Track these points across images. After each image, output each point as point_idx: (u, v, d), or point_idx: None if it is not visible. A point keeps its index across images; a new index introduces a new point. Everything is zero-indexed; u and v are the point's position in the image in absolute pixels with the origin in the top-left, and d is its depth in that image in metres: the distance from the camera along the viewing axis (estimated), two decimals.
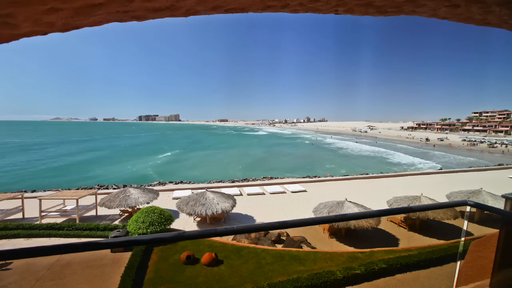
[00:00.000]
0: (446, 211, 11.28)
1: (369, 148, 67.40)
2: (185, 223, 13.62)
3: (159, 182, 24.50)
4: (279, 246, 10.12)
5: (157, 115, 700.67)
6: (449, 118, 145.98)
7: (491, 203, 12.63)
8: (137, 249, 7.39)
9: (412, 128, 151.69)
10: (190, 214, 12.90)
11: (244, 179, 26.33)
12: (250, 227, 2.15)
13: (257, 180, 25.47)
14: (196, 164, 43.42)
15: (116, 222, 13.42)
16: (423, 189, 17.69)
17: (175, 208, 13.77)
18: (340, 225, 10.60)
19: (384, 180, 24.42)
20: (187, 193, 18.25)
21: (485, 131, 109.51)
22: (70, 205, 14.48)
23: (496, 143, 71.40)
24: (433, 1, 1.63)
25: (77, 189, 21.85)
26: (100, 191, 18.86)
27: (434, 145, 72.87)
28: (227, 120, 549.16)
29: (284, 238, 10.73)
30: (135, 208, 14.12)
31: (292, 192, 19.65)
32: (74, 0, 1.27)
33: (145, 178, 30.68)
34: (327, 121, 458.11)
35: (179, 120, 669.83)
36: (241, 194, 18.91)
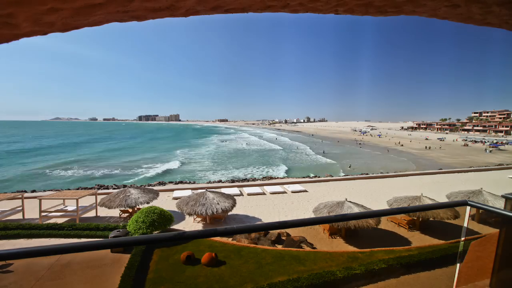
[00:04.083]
0: (446, 211, 11.28)
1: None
2: (185, 223, 13.62)
3: (159, 182, 24.50)
4: (279, 246, 10.12)
5: (157, 115, 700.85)
6: (449, 118, 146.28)
7: (491, 203, 12.62)
8: (137, 249, 7.38)
9: (412, 128, 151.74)
10: (190, 214, 12.89)
11: (244, 179, 26.33)
12: (250, 227, 2.15)
13: (257, 180, 25.47)
14: None
15: (116, 222, 13.42)
16: (423, 189, 17.69)
17: (175, 208, 13.77)
18: (340, 225, 10.60)
19: (384, 180, 24.42)
20: (187, 193, 18.24)
21: (485, 131, 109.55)
22: (70, 205, 14.47)
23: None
24: (433, 1, 1.63)
25: (77, 189, 21.85)
26: (100, 191, 18.86)
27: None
28: (227, 120, 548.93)
29: (284, 238, 10.73)
30: (135, 208, 14.12)
31: (292, 192, 19.65)
32: (74, 0, 1.27)
33: None
34: (327, 121, 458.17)
35: (179, 120, 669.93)
36: (241, 194, 18.91)
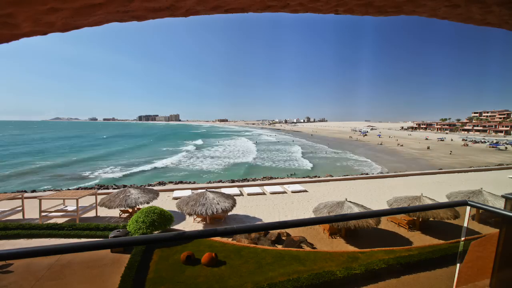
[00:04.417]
0: (446, 211, 11.28)
1: None
2: (185, 223, 13.62)
3: (159, 182, 24.50)
4: (279, 246, 10.12)
5: (157, 115, 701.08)
6: (449, 118, 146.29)
7: (491, 203, 12.63)
8: (137, 249, 7.38)
9: (412, 128, 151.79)
10: (190, 214, 12.89)
11: (244, 179, 26.33)
12: (250, 227, 2.15)
13: (257, 180, 25.47)
14: None
15: (116, 222, 13.42)
16: (423, 189, 17.69)
17: (175, 208, 13.78)
18: (340, 225, 10.60)
19: (384, 180, 24.42)
20: (187, 193, 18.25)
21: (485, 131, 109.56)
22: (70, 205, 14.48)
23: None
24: (433, 1, 1.63)
25: (77, 189, 21.86)
26: (100, 191, 18.86)
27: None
28: (227, 120, 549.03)
29: (284, 238, 10.73)
30: (135, 208, 14.12)
31: (292, 192, 19.65)
32: (74, 0, 1.26)
33: None
34: (327, 121, 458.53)
35: (179, 120, 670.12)
36: (241, 194, 18.91)
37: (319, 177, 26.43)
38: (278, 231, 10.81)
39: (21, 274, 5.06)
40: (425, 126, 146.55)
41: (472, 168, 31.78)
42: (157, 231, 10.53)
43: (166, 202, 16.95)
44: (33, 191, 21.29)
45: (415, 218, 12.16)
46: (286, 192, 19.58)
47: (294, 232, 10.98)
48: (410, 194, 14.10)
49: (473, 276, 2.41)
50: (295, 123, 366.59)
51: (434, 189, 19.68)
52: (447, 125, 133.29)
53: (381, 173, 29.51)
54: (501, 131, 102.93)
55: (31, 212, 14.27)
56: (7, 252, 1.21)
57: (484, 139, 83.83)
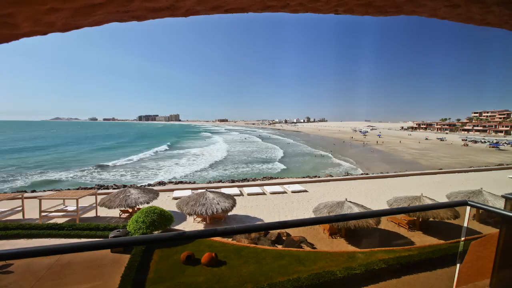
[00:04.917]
0: (446, 211, 11.27)
1: None
2: (185, 223, 13.62)
3: (159, 182, 24.50)
4: (279, 246, 10.12)
5: (157, 115, 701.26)
6: (449, 118, 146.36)
7: (491, 203, 12.62)
8: (137, 249, 7.38)
9: (412, 128, 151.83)
10: (190, 214, 12.89)
11: (244, 179, 26.33)
12: (250, 227, 2.15)
13: (257, 180, 25.46)
14: None
15: (116, 222, 13.41)
16: (423, 189, 17.69)
17: (175, 208, 13.77)
18: (340, 225, 10.60)
19: (384, 180, 24.42)
20: (187, 193, 18.24)
21: (485, 131, 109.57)
22: (70, 205, 14.48)
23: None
24: (433, 1, 1.63)
25: (77, 189, 21.85)
26: (100, 191, 18.86)
27: None
28: (227, 120, 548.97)
29: (284, 238, 10.73)
30: (135, 208, 14.12)
31: (292, 192, 19.64)
32: (74, 0, 1.26)
33: None
34: (327, 121, 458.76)
35: (179, 120, 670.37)
36: (241, 194, 18.90)
37: (319, 177, 26.42)
38: (278, 231, 10.81)
39: (21, 274, 5.05)
40: (425, 126, 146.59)
41: (472, 168, 31.77)
42: (157, 231, 10.53)
43: (166, 202, 16.95)
44: (33, 191, 21.28)
45: (415, 218, 12.15)
46: (286, 192, 19.57)
47: (294, 232, 10.98)
48: (410, 194, 14.10)
49: (473, 276, 2.41)
50: (295, 123, 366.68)
51: (434, 189, 19.67)
52: (447, 125, 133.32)
53: (381, 173, 29.49)
54: (501, 131, 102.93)
55: (31, 212, 14.27)
56: (7, 252, 1.21)
57: (484, 139, 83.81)
